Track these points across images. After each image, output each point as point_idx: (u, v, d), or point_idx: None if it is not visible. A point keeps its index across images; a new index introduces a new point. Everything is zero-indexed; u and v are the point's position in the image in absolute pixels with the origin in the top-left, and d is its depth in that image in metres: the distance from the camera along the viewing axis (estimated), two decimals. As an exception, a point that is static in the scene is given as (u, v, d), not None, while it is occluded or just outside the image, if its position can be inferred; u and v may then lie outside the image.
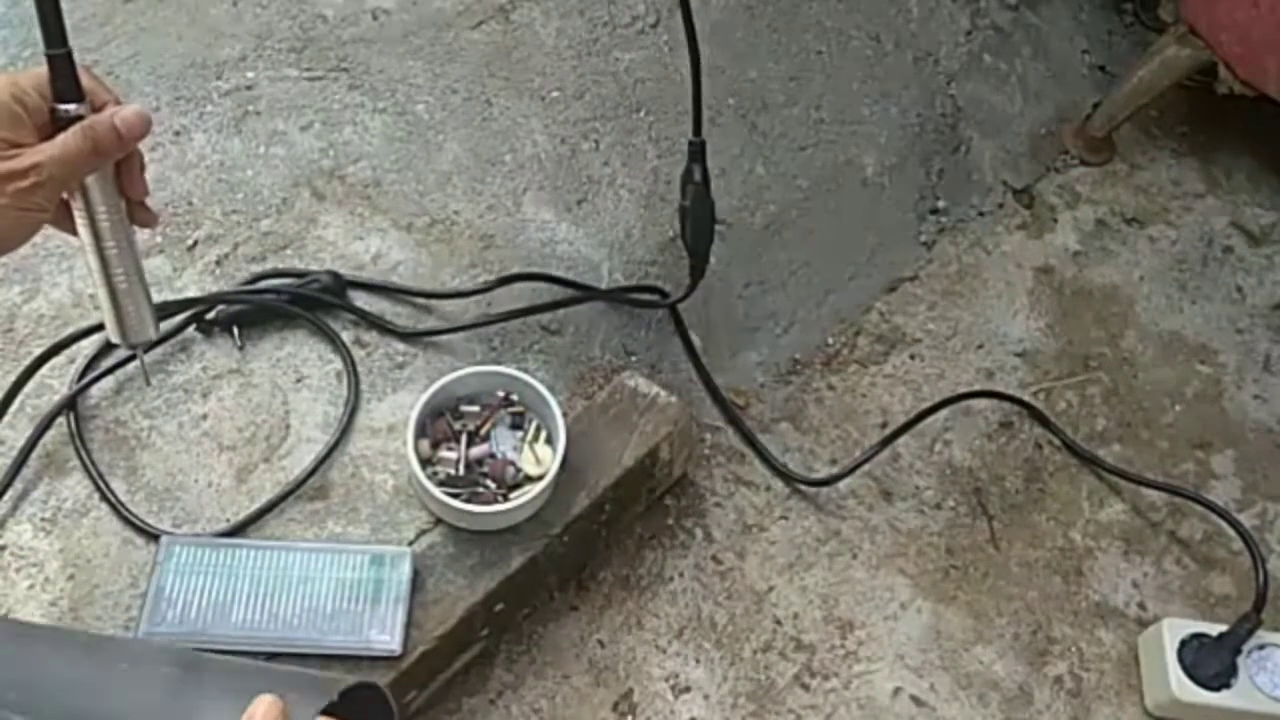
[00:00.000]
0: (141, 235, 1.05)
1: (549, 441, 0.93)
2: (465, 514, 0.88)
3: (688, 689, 0.95)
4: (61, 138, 0.59)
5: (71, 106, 0.60)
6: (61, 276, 1.01)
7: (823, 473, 1.07)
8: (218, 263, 1.05)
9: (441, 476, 0.90)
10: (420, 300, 1.04)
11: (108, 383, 0.97)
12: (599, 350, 1.07)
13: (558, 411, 0.91)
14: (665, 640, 0.97)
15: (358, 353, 1.01)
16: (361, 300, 1.04)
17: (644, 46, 1.27)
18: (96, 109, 0.61)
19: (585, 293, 1.07)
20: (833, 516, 1.06)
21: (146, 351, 0.70)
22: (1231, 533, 1.05)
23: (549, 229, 1.12)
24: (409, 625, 0.85)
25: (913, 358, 1.17)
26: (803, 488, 1.06)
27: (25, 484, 0.92)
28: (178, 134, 1.12)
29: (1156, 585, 1.05)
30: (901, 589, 1.03)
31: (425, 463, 0.90)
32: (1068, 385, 1.17)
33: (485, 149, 1.16)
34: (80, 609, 0.86)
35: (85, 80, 0.61)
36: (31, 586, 0.87)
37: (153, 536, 0.89)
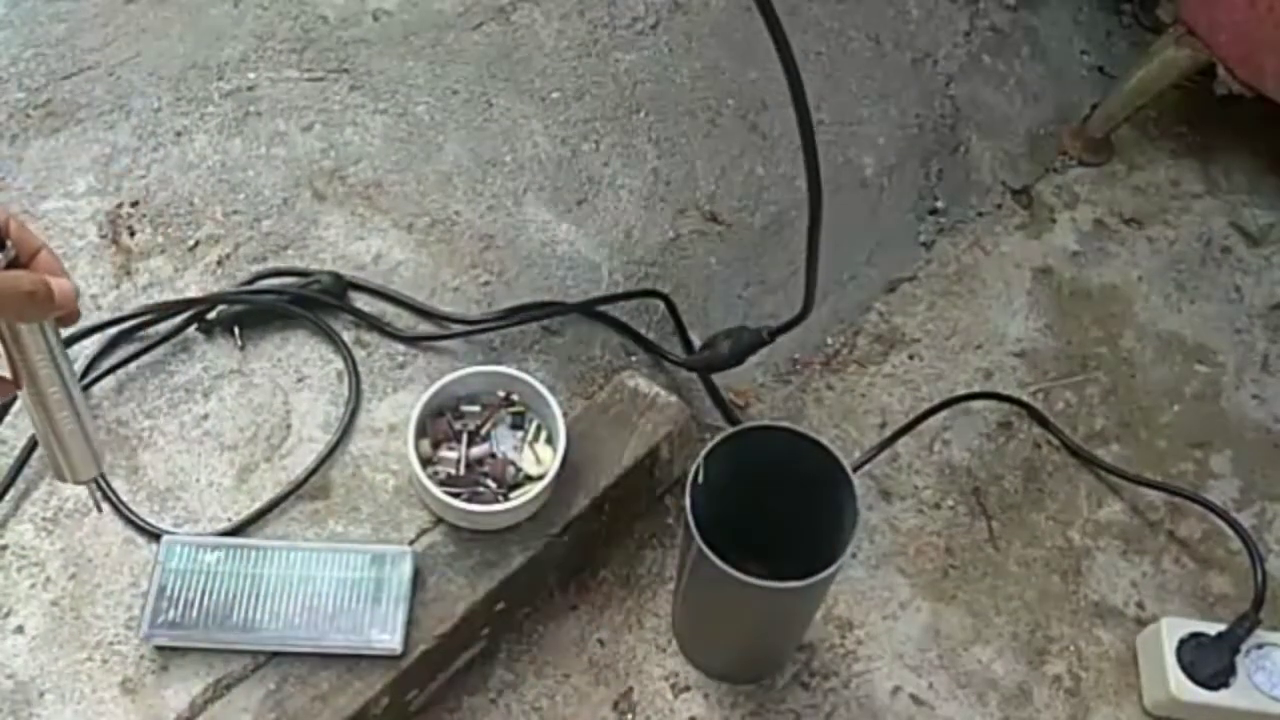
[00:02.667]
0: (143, 236, 1.06)
1: (549, 441, 0.93)
2: (466, 513, 0.88)
3: (687, 688, 0.96)
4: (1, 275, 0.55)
5: None
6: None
7: (822, 472, 1.07)
8: (219, 263, 1.05)
9: (442, 476, 0.90)
10: (423, 310, 1.04)
11: (109, 382, 0.97)
12: (599, 350, 1.07)
13: (558, 411, 0.91)
14: (665, 639, 0.97)
15: (358, 353, 1.01)
16: (362, 301, 1.05)
17: (644, 47, 1.27)
18: (30, 257, 0.58)
19: (588, 307, 1.08)
20: (832, 516, 1.06)
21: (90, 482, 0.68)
22: (1230, 532, 1.05)
23: (549, 229, 1.12)
24: (410, 624, 0.85)
25: (912, 358, 1.18)
26: (802, 487, 1.06)
27: (27, 483, 0.92)
28: (179, 135, 1.12)
29: (1155, 585, 1.05)
30: (900, 588, 1.03)
31: (426, 462, 0.91)
32: (1066, 385, 1.18)
33: (485, 150, 1.16)
34: (81, 608, 0.87)
35: (15, 227, 0.57)
36: (33, 586, 0.88)
37: (154, 536, 0.89)
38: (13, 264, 0.56)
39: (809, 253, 0.89)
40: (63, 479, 0.65)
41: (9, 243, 0.56)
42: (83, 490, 0.92)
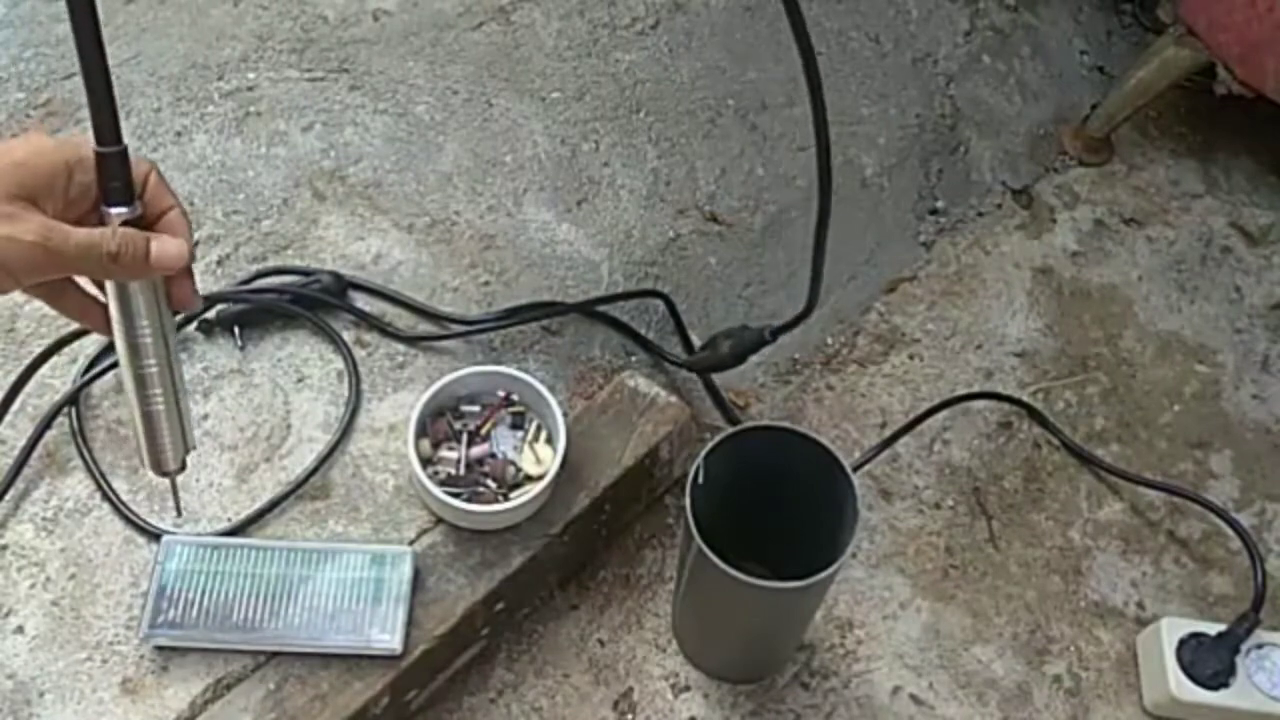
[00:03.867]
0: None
1: (549, 441, 0.93)
2: (466, 513, 0.88)
3: (687, 688, 0.96)
4: (87, 230, 0.53)
5: (122, 210, 0.54)
6: (63, 277, 1.01)
7: (822, 472, 1.07)
8: (219, 263, 1.05)
9: (442, 476, 0.90)
10: (423, 310, 1.04)
11: (109, 381, 0.97)
12: (599, 350, 1.07)
13: (558, 411, 0.91)
14: (665, 639, 0.97)
15: (359, 352, 1.01)
16: (362, 301, 1.05)
17: (644, 48, 1.27)
18: (158, 215, 0.57)
19: (588, 307, 1.07)
20: (832, 516, 1.06)
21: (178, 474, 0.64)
22: (1230, 532, 1.05)
23: (549, 229, 1.12)
24: (410, 624, 0.85)
25: (912, 358, 1.18)
26: (802, 487, 1.06)
27: (27, 483, 0.92)
28: (179, 135, 1.12)
29: (1155, 584, 1.05)
30: (900, 588, 1.03)
31: (426, 462, 0.91)
32: (1066, 385, 1.18)
33: (486, 150, 1.16)
34: (81, 608, 0.87)
35: (153, 182, 0.56)
36: (33, 586, 0.88)
37: (154, 536, 0.89)
38: (133, 223, 0.55)
39: (816, 249, 0.87)
40: (143, 464, 0.62)
41: (139, 202, 0.55)
42: (83, 490, 0.92)
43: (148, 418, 0.60)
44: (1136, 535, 1.08)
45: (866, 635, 1.00)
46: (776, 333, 0.98)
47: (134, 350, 0.58)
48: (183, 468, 0.63)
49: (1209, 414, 1.17)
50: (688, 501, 0.79)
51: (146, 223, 0.56)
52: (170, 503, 0.91)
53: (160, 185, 0.57)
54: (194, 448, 0.64)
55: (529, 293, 1.08)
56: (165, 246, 0.55)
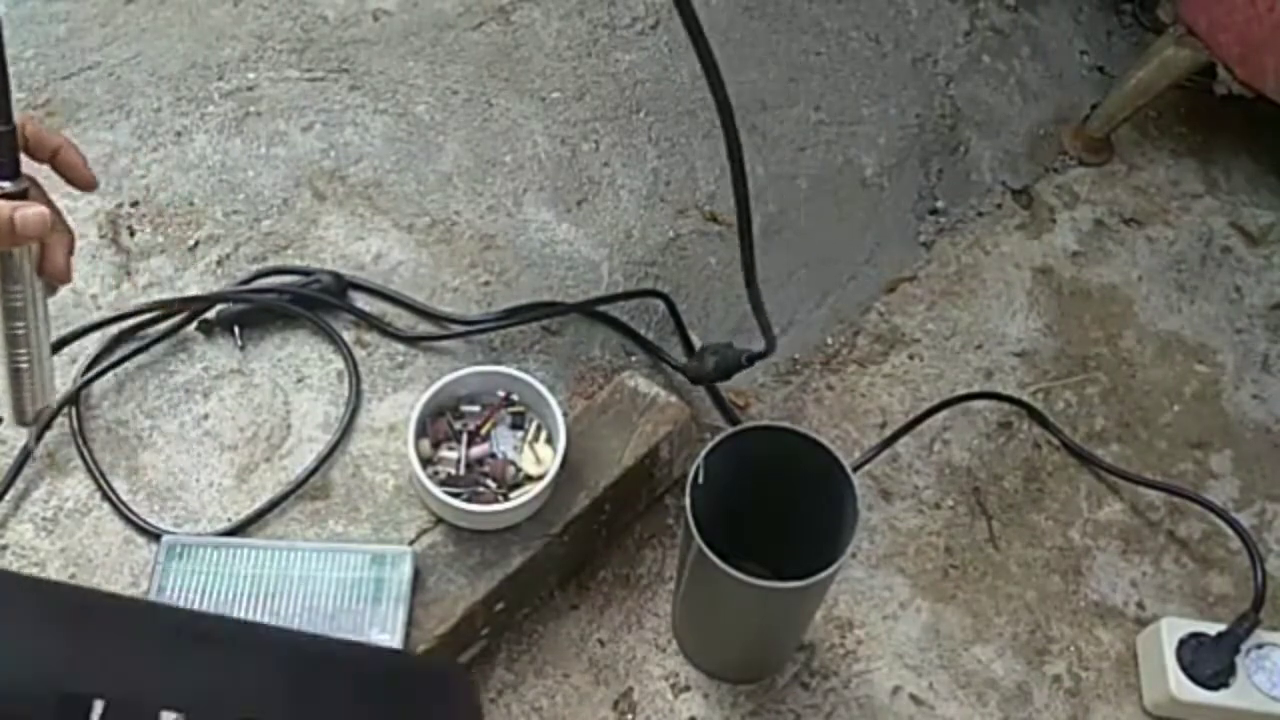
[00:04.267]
0: (143, 236, 1.06)
1: (549, 441, 0.93)
2: (466, 513, 0.88)
3: (687, 688, 0.96)
4: None
5: (4, 184, 0.59)
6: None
7: (822, 472, 1.07)
8: (219, 263, 1.05)
9: (442, 476, 0.90)
10: (423, 310, 1.04)
11: (109, 381, 0.97)
12: (599, 350, 1.07)
13: (558, 411, 0.91)
14: (665, 639, 0.97)
15: (359, 352, 1.01)
16: (362, 301, 1.05)
17: (644, 48, 1.27)
18: (50, 155, 0.61)
19: (588, 307, 1.08)
20: (832, 516, 1.06)
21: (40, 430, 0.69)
22: (1230, 532, 1.05)
23: (549, 229, 1.12)
24: (410, 624, 0.85)
25: (912, 358, 1.18)
26: (802, 487, 1.06)
27: (27, 483, 0.92)
28: (179, 135, 1.12)
29: (1155, 584, 1.05)
30: (900, 588, 1.03)
31: (426, 462, 0.91)
32: (1066, 385, 1.18)
33: (486, 150, 1.16)
34: (82, 608, 0.87)
35: (31, 130, 0.60)
36: (33, 586, 0.88)
37: (154, 536, 0.89)
38: (17, 194, 0.58)
39: (750, 293, 0.92)
40: (6, 414, 0.66)
41: (23, 177, 0.58)
42: (83, 490, 0.92)
43: (15, 374, 0.64)
44: (1136, 535, 1.08)
45: (866, 635, 1.00)
46: (752, 359, 0.99)
47: (9, 312, 0.61)
48: (38, 419, 0.66)
49: (1209, 414, 1.17)
50: (688, 501, 0.79)
51: (45, 160, 0.61)
52: (170, 504, 0.92)
53: (39, 130, 0.61)
54: (52, 404, 0.67)
55: (529, 293, 1.08)
56: (26, 215, 0.58)
